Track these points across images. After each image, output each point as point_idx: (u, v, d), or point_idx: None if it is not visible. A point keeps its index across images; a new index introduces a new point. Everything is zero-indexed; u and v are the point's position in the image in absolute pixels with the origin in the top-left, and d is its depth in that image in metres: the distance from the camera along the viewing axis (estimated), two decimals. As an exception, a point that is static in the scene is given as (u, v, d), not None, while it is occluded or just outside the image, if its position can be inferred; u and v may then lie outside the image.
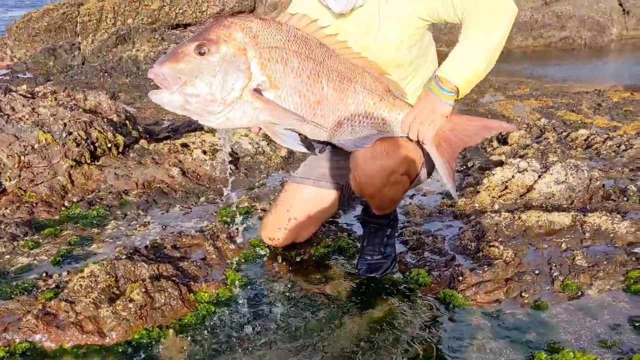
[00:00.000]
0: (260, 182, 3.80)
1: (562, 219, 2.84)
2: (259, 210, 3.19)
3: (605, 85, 9.94)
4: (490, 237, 2.70)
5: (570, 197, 3.22)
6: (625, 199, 3.22)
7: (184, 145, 4.05)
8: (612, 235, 2.71)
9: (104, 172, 3.48)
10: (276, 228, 2.61)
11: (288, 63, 1.94)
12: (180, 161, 3.73)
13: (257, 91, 1.90)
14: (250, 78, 1.88)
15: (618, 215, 2.83)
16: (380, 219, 2.53)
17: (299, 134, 2.04)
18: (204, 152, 3.88)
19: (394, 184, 2.22)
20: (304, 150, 2.07)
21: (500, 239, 2.70)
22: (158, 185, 3.52)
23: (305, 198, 2.58)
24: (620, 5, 16.14)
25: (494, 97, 9.24)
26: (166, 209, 3.28)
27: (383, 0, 2.18)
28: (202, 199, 3.44)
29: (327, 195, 2.58)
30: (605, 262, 2.46)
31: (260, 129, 2.03)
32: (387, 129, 2.16)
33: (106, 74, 10.44)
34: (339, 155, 2.59)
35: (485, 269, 2.42)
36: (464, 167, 4.29)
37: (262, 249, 2.70)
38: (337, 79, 2.03)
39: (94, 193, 3.38)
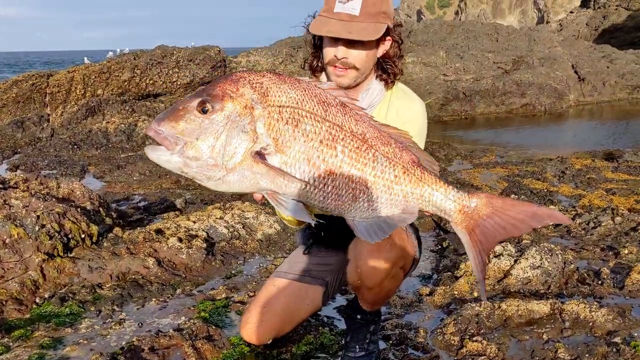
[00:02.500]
0: (237, 269, 3.77)
1: (541, 308, 2.86)
2: (238, 303, 3.14)
3: (566, 151, 10.25)
4: (472, 330, 2.70)
5: (547, 282, 3.26)
6: (599, 282, 3.28)
7: (159, 231, 4.01)
8: (591, 324, 2.74)
9: (77, 265, 3.41)
10: (257, 326, 2.56)
11: (299, 125, 1.76)
12: (155, 250, 3.68)
13: (260, 155, 1.73)
14: (255, 140, 1.72)
15: (595, 302, 2.87)
16: (368, 314, 2.51)
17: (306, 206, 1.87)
18: (180, 240, 3.84)
19: (393, 277, 2.23)
20: (309, 220, 1.83)
21: (482, 331, 2.71)
22: (133, 277, 3.45)
23: (288, 294, 2.56)
24: (576, 72, 16.87)
25: (461, 166, 9.44)
26: (142, 303, 3.21)
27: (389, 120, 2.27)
28: (179, 290, 3.38)
29: (311, 292, 2.57)
30: (587, 355, 2.47)
31: (262, 195, 1.86)
32: (410, 207, 1.91)
33: (75, 147, 10.37)
34: (327, 250, 2.59)
35: (470, 368, 2.41)
36: (439, 246, 4.33)
37: (242, 348, 2.64)
38: (355, 144, 1.80)
39: (67, 287, 3.29)
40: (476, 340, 2.56)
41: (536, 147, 11.03)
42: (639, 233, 4.17)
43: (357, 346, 2.54)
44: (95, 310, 3.10)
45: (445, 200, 1.88)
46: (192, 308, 3.12)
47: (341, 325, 2.91)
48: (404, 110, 2.37)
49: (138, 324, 2.94)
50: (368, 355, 2.53)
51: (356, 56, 2.19)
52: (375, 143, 1.85)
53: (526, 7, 35.28)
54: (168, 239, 3.84)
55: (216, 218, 4.44)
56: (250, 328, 2.58)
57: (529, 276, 3.27)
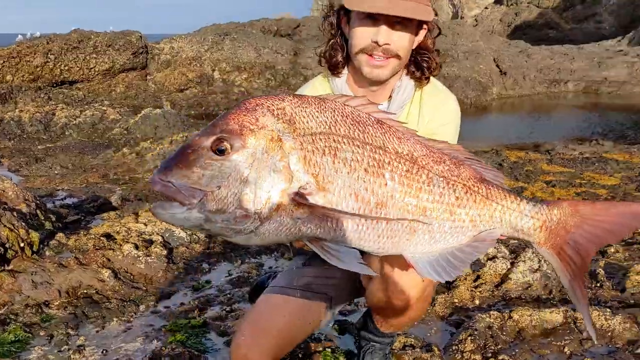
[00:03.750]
0: (204, 278, 3.34)
1: (554, 317, 2.66)
2: (217, 322, 2.74)
3: (496, 144, 10.35)
4: (492, 347, 2.44)
5: (548, 286, 3.07)
6: (598, 284, 3.12)
7: (109, 237, 3.51)
8: (609, 333, 2.56)
9: (18, 280, 2.89)
10: (251, 351, 2.17)
11: (338, 153, 1.44)
12: (109, 260, 3.20)
13: (300, 195, 1.40)
14: (291, 180, 1.39)
15: (608, 310, 2.69)
16: (385, 337, 2.20)
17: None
18: (136, 247, 3.37)
19: (426, 298, 1.93)
20: (371, 272, 1.52)
21: (499, 346, 2.46)
22: (86, 292, 2.97)
23: (288, 314, 2.18)
24: (498, 66, 17.28)
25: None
26: (101, 324, 2.74)
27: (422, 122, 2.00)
28: (142, 307, 2.93)
29: (313, 310, 2.20)
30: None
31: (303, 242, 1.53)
32: (482, 233, 1.58)
33: (-15, 137, 9.40)
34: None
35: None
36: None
37: (235, 377, 2.26)
38: (404, 167, 1.50)
39: (7, 307, 2.77)
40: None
41: (468, 139, 11.10)
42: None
43: (374, 373, 2.23)
44: (46, 335, 2.60)
45: (521, 218, 1.56)
46: (163, 329, 2.69)
47: (342, 344, 2.58)
48: (439, 109, 2.05)
49: (102, 351, 2.48)
50: (385, 380, 2.22)
51: (399, 41, 1.84)
52: (427, 162, 1.54)
53: (441, 2, 36.04)
54: (121, 245, 3.36)
55: (170, 219, 3.97)
56: (244, 353, 2.17)
57: (529, 280, 3.06)
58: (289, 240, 1.51)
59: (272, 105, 1.45)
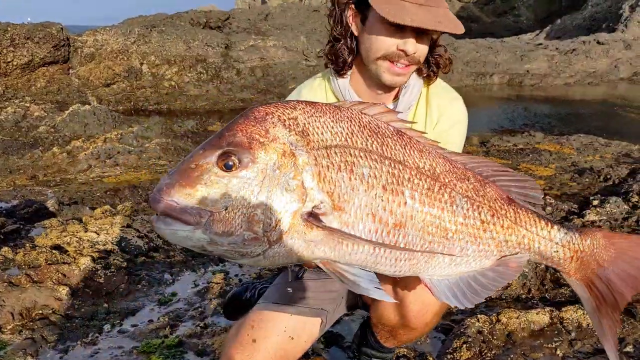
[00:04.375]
0: (170, 291, 3.12)
1: (541, 318, 2.63)
2: (193, 340, 2.54)
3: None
4: (487, 354, 2.38)
5: (526, 285, 3.05)
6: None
7: (60, 249, 3.22)
8: (596, 332, 2.54)
9: (-36, 303, 2.58)
10: (244, 373, 2.02)
11: (355, 169, 1.31)
12: (64, 275, 2.92)
13: (313, 216, 1.27)
14: (305, 199, 1.26)
15: (591, 308, 2.69)
16: (387, 352, 2.09)
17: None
18: (93, 260, 3.10)
19: (439, 315, 1.83)
20: (388, 299, 1.38)
21: (493, 352, 2.40)
22: (42, 313, 2.69)
23: (282, 332, 2.02)
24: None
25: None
26: (63, 349, 2.48)
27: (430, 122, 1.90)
28: (107, 326, 2.68)
29: (308, 326, 2.05)
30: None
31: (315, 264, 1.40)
32: (507, 259, 1.46)
33: None
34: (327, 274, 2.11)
35: (509, 401, 2.08)
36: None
37: (225, 403, 2.08)
38: (425, 185, 1.38)
39: (-48, 335, 2.46)
40: (504, 369, 2.24)
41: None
42: (574, 222, 4.16)
43: (375, 390, 2.11)
44: (3, 365, 2.34)
45: (550, 246, 1.46)
46: (135, 351, 2.46)
47: (331, 357, 2.44)
48: (448, 109, 1.94)
49: (70, 381, 2.24)
50: (387, 397, 2.11)
51: (423, 49, 1.73)
52: (450, 179, 1.42)
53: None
54: (76, 259, 3.08)
55: (122, 226, 3.71)
56: (236, 376, 2.02)
57: (508, 280, 3.03)
58: (299, 262, 1.37)
59: (284, 114, 1.32)
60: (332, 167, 1.29)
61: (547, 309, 2.68)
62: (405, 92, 1.87)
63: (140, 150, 8.14)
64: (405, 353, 2.42)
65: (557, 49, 19.85)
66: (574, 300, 2.87)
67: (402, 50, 1.68)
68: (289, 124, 1.30)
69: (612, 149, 8.75)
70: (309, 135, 1.30)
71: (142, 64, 14.54)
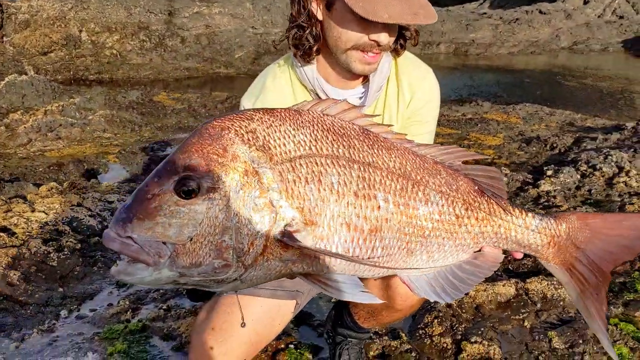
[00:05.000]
0: (127, 272, 2.98)
1: (508, 290, 2.66)
2: (158, 324, 2.45)
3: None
4: (458, 327, 2.38)
5: (489, 258, 3.08)
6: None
7: (6, 230, 3.04)
8: (561, 302, 2.59)
9: None
10: (217, 357, 1.94)
11: (323, 179, 1.24)
12: (14, 259, 2.76)
13: (287, 235, 1.20)
14: (276, 218, 1.19)
15: (554, 279, 2.73)
16: (364, 332, 2.05)
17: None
18: (45, 242, 2.94)
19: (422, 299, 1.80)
20: (375, 301, 1.30)
21: (463, 325, 2.41)
22: (-7, 300, 2.54)
23: (257, 316, 1.96)
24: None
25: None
26: (19, 337, 2.35)
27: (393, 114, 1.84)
28: (64, 312, 2.56)
29: (283, 309, 1.99)
30: (581, 342, 2.30)
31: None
32: (485, 253, 1.43)
33: None
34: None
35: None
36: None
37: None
38: (397, 185, 1.32)
39: None
40: (475, 342, 2.25)
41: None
42: (530, 193, 4.22)
43: (350, 369, 2.08)
44: (-47, 358, 2.19)
45: (527, 233, 1.43)
46: (97, 337, 2.35)
47: (302, 337, 2.40)
48: (420, 85, 1.87)
49: (29, 372, 2.12)
50: (363, 377, 2.09)
51: (394, 35, 1.65)
52: (422, 176, 1.37)
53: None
54: (26, 241, 2.92)
55: (73, 205, 3.54)
56: (208, 361, 1.95)
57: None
58: (279, 279, 1.31)
59: (240, 127, 1.22)
60: (299, 181, 1.22)
61: (513, 280, 2.72)
62: (375, 73, 1.79)
63: (84, 122, 7.81)
64: (377, 330, 2.40)
65: (501, 18, 20.11)
66: (537, 271, 2.92)
67: (375, 41, 1.59)
68: (248, 139, 1.21)
69: (556, 117, 8.95)
70: (270, 149, 1.22)
71: (80, 31, 13.90)
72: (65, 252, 2.92)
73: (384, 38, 1.59)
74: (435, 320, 2.39)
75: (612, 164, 4.96)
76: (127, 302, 2.63)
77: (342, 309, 2.08)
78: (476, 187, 1.44)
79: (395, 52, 1.84)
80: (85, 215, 3.40)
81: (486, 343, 2.24)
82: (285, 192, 1.20)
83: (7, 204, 3.77)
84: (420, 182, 1.36)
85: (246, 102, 1.85)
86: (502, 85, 13.69)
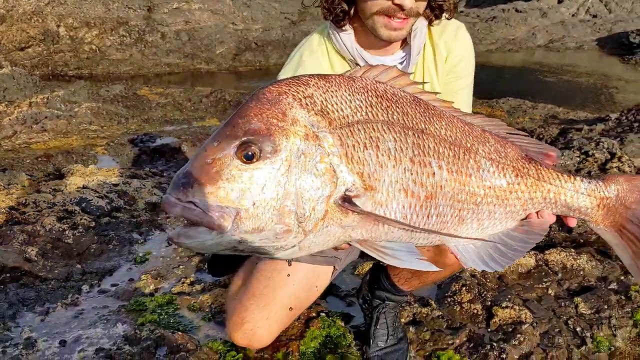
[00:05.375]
0: (142, 249, 2.95)
1: (528, 261, 2.69)
2: (186, 296, 2.42)
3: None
4: (485, 294, 2.40)
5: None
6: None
7: (17, 209, 2.97)
8: (581, 272, 2.63)
9: None
10: (259, 326, 1.92)
11: (380, 144, 1.24)
12: (31, 236, 2.70)
13: (346, 200, 1.20)
14: (336, 182, 1.18)
15: (572, 250, 2.77)
16: (403, 295, 2.05)
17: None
18: (59, 219, 2.88)
19: None
20: (432, 268, 1.29)
21: (490, 293, 2.43)
22: (11, 275, 2.47)
23: (297, 281, 1.95)
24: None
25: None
26: (43, 311, 2.30)
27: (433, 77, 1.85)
28: (85, 287, 2.51)
29: (322, 274, 1.98)
30: (606, 307, 2.34)
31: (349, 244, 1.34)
32: (530, 216, 1.44)
33: None
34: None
35: (517, 339, 2.11)
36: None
37: (233, 356, 2.00)
38: (450, 152, 1.33)
39: None
40: (506, 307, 2.26)
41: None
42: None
43: (388, 334, 2.09)
44: (-21, 331, 2.13)
45: (577, 197, 1.44)
46: (123, 310, 2.32)
47: (331, 306, 2.39)
48: (454, 45, 1.89)
49: (59, 343, 2.07)
50: (400, 341, 2.09)
51: (421, 2, 1.64)
52: (472, 143, 1.38)
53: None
54: (40, 219, 2.85)
55: (79, 187, 3.48)
56: (250, 329, 1.92)
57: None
58: (335, 246, 1.31)
59: (298, 92, 1.22)
60: (358, 146, 1.21)
61: (531, 252, 2.74)
62: (415, 35, 1.79)
63: (70, 115, 7.68)
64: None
65: (478, 16, 20.32)
66: (553, 244, 2.95)
67: (398, 5, 1.57)
68: (306, 103, 1.21)
69: (539, 110, 9.07)
70: (329, 113, 1.21)
71: (58, 26, 13.68)
72: (80, 230, 2.87)
73: (408, 2, 1.57)
74: (463, 288, 2.41)
75: (604, 150, 5.04)
76: (149, 277, 2.59)
77: (380, 272, 2.08)
78: (524, 155, 1.45)
79: (429, 22, 1.84)
80: (94, 197, 3.34)
81: (517, 308, 2.26)
82: (345, 156, 1.19)
83: (7, 189, 3.70)
84: (470, 150, 1.37)
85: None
86: (484, 80, 13.84)
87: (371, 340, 2.08)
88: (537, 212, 1.46)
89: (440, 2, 1.79)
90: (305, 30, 15.64)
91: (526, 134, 1.49)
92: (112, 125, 7.83)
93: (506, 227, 1.45)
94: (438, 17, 1.83)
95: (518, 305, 2.29)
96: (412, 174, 1.27)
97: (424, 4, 1.67)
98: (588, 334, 2.18)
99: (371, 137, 1.24)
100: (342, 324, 2.23)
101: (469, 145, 1.37)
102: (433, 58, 1.92)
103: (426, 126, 1.33)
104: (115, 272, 2.67)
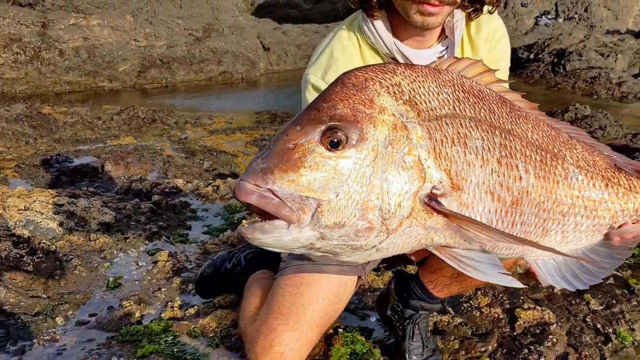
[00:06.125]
0: (112, 273, 2.62)
1: (522, 261, 2.64)
2: (182, 322, 2.16)
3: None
4: (502, 297, 2.32)
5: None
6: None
7: (-43, 237, 2.57)
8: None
9: None
10: (290, 346, 1.70)
11: (468, 142, 1.15)
12: (-16, 266, 2.32)
13: (434, 199, 1.10)
14: (424, 178, 1.08)
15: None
16: (437, 302, 1.92)
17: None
18: (15, 245, 2.51)
19: None
20: (517, 285, 1.19)
21: (502, 295, 2.35)
22: (-31, 313, 2.10)
23: (327, 294, 1.76)
24: (261, 42, 17.47)
25: (197, 134, 8.78)
26: (19, 350, 1.96)
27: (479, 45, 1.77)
28: (59, 319, 2.17)
29: (348, 285, 1.81)
30: (614, 301, 2.33)
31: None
32: (619, 229, 1.36)
33: None
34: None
35: (550, 340, 2.04)
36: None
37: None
38: (537, 157, 1.24)
39: None
40: (528, 308, 2.19)
41: (255, 111, 10.94)
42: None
43: (423, 346, 1.95)
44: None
45: None
46: (114, 342, 2.02)
47: (347, 321, 2.22)
48: (487, 29, 1.80)
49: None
50: (434, 353, 1.97)
51: None
52: (559, 149, 1.30)
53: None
54: (-8, 244, 2.47)
55: (20, 209, 3.08)
56: (280, 352, 1.70)
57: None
58: (411, 251, 1.21)
59: (385, 79, 1.13)
60: (446, 141, 1.13)
61: (525, 251, 2.71)
62: (454, 27, 1.68)
63: (-31, 136, 6.99)
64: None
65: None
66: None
67: None
68: (394, 91, 1.12)
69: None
70: (417, 104, 1.13)
71: (-59, 42, 12.55)
72: (40, 255, 2.51)
73: None
74: (479, 292, 2.32)
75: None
76: (132, 303, 2.29)
77: (409, 279, 1.94)
78: (613, 164, 1.38)
79: (468, 16, 1.74)
80: (42, 219, 2.95)
81: (539, 309, 2.19)
82: (434, 151, 1.10)
83: None
84: (558, 155, 1.28)
85: (313, 77, 1.67)
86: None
87: (406, 354, 1.93)
88: (622, 225, 1.38)
89: None
90: (211, 47, 15.35)
91: (609, 147, 1.43)
92: (20, 146, 7.23)
93: (592, 241, 1.36)
94: (478, 11, 1.72)
95: (540, 305, 2.23)
96: (499, 176, 1.18)
97: None
98: (610, 330, 2.15)
99: (459, 132, 1.15)
100: (364, 339, 2.07)
101: (556, 150, 1.28)
102: (472, 55, 1.81)
103: (513, 127, 1.23)
104: (89, 301, 2.35)
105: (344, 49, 1.69)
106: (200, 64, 14.61)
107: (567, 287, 1.34)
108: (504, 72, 1.81)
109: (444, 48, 1.73)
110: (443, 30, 1.72)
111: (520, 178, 1.20)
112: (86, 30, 14.36)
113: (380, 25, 1.65)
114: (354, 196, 1.03)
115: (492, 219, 1.18)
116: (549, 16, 18.40)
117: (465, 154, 1.14)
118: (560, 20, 17.99)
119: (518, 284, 1.20)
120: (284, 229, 1.01)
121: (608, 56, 12.19)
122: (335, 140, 1.02)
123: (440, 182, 1.11)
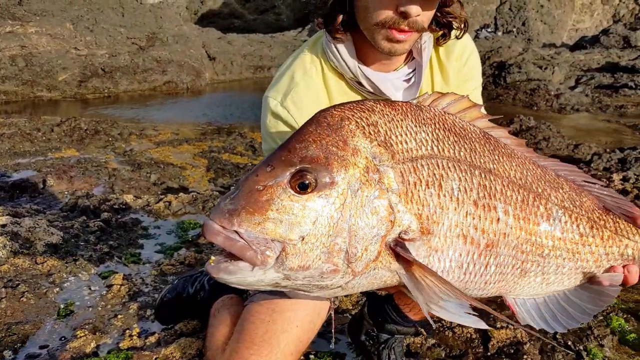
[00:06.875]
0: (62, 299, 2.46)
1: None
2: (143, 353, 2.03)
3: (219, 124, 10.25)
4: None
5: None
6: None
7: None
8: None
9: None
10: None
11: (443, 184, 1.13)
12: None
13: (401, 246, 1.09)
14: (393, 222, 1.07)
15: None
16: (412, 325, 1.88)
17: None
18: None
19: None
20: (482, 326, 1.16)
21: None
22: None
23: (301, 319, 1.69)
24: (207, 52, 17.24)
25: (143, 145, 8.54)
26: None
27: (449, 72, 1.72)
28: (8, 352, 2.01)
29: (322, 311, 1.75)
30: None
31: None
32: (607, 276, 1.34)
33: None
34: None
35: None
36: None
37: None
38: (517, 197, 1.22)
39: None
40: (501, 327, 2.17)
41: (205, 122, 10.76)
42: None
43: (399, 368, 1.90)
44: None
45: None
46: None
47: (317, 346, 2.14)
48: (456, 49, 1.74)
49: None
50: (409, 376, 1.91)
51: (428, 13, 1.47)
52: (544, 188, 1.28)
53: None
54: None
55: (-41, 232, 2.87)
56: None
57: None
58: (379, 289, 1.27)
59: (362, 119, 1.12)
60: (419, 184, 1.11)
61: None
62: (422, 50, 1.63)
63: None
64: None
65: (323, 44, 21.01)
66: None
67: (402, 14, 1.39)
68: (370, 132, 1.10)
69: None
70: (392, 145, 1.11)
71: None
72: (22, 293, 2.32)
73: (415, 10, 1.39)
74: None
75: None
76: (86, 333, 2.15)
77: (383, 303, 1.89)
78: (600, 205, 1.36)
79: (436, 41, 1.70)
80: (-15, 242, 2.76)
81: (511, 327, 2.18)
82: (405, 195, 1.09)
83: None
84: (542, 195, 1.27)
85: (272, 102, 1.60)
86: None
87: (383, 379, 1.88)
88: (610, 269, 1.36)
89: (449, 19, 1.64)
90: (155, 56, 15.04)
91: (604, 183, 1.40)
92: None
93: (574, 284, 1.35)
94: (446, 36, 1.68)
95: (511, 325, 2.21)
96: (474, 218, 1.16)
97: (430, 14, 1.50)
98: (581, 347, 2.15)
99: (434, 174, 1.13)
100: (338, 363, 2.00)
101: (540, 190, 1.27)
102: (442, 79, 1.76)
103: (495, 166, 1.22)
104: (39, 331, 2.19)
105: (305, 73, 1.62)
106: (144, 74, 14.30)
107: (546, 329, 1.32)
108: (476, 94, 1.78)
109: (410, 70, 1.67)
110: (410, 51, 1.67)
111: (498, 219, 1.19)
112: (23, 38, 13.84)
113: (343, 49, 1.59)
114: (320, 239, 1.02)
115: (463, 262, 1.17)
116: (489, 29, 18.92)
117: (438, 197, 1.12)
118: (499, 33, 18.51)
119: (483, 325, 1.17)
120: (247, 270, 1.01)
121: (546, 69, 12.58)
122: (305, 182, 1.02)
123: (410, 227, 1.09)
